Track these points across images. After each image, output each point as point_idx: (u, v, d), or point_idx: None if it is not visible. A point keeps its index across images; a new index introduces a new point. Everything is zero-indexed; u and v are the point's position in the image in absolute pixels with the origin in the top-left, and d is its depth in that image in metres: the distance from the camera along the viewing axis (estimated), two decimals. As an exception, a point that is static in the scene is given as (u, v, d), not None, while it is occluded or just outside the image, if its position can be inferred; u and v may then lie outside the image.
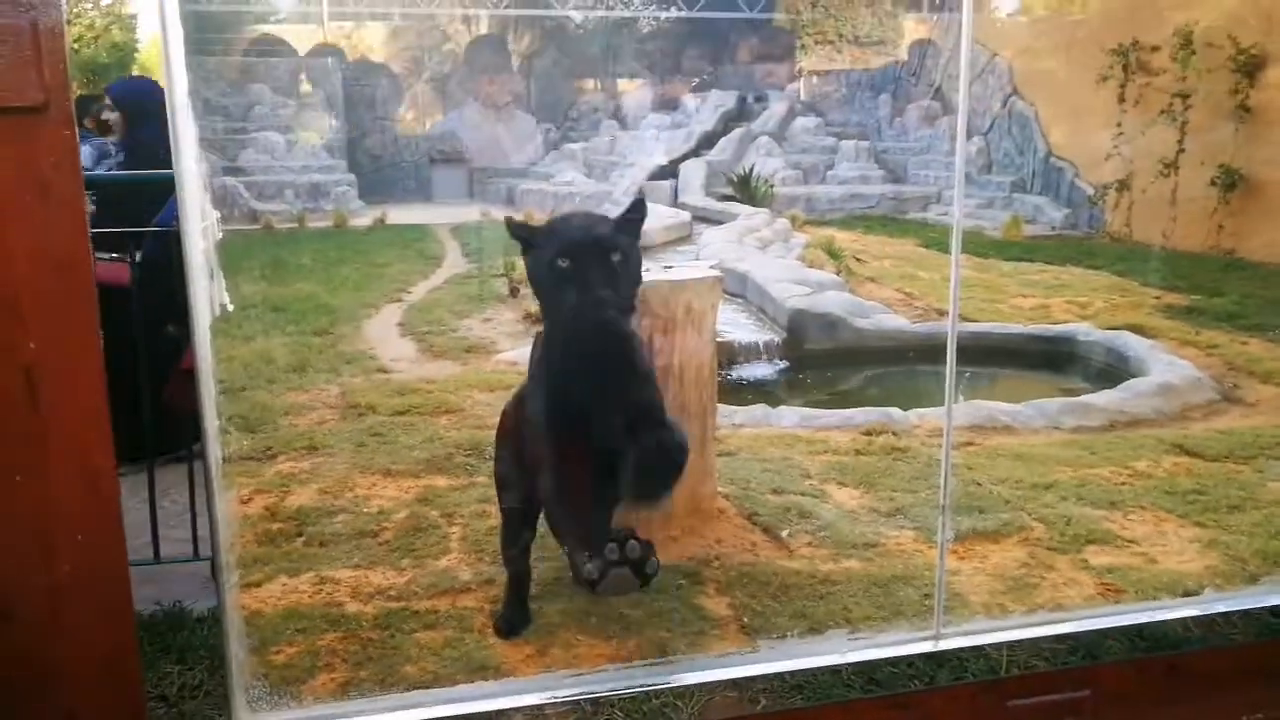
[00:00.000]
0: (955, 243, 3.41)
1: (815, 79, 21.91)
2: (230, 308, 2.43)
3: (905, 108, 18.80)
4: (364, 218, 14.64)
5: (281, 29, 20.30)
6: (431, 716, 2.52)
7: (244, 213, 14.59)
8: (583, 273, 2.50)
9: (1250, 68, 10.98)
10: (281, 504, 4.08)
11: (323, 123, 17.71)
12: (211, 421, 2.17)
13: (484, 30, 21.96)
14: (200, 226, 2.21)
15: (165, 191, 2.98)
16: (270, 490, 4.20)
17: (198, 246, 2.17)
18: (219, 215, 2.35)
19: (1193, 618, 2.76)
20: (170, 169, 2.04)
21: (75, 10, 16.61)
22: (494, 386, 5.81)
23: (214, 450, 2.21)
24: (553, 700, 2.68)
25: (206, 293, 2.23)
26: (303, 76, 18.89)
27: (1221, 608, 2.69)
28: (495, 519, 3.92)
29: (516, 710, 2.68)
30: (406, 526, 3.84)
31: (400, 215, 14.63)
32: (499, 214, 15.23)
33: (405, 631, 3.06)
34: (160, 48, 2.10)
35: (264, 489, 4.19)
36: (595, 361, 2.63)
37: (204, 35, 16.27)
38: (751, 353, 7.26)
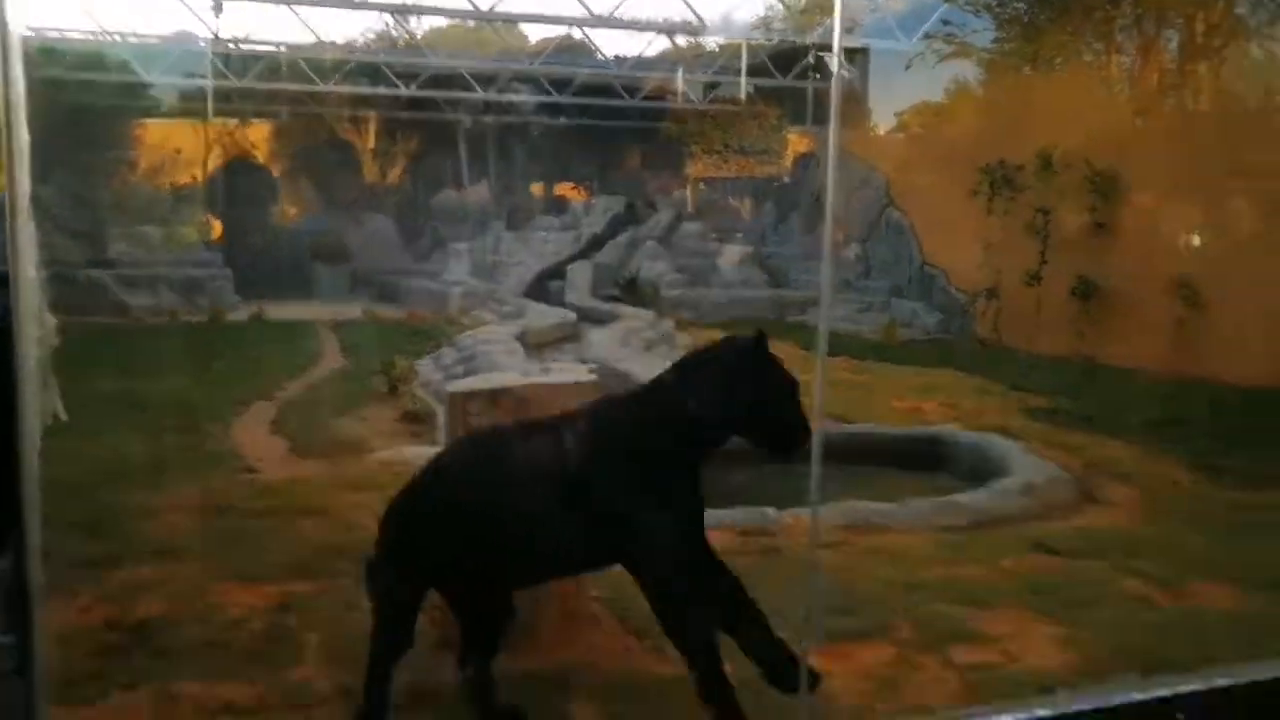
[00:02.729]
0: (821, 344, 3.49)
1: (702, 186, 22.60)
2: (64, 417, 2.30)
3: (788, 214, 19.49)
4: (241, 313, 14.28)
5: (164, 124, 20.04)
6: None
7: (112, 305, 14.09)
8: None
9: (1104, 187, 11.78)
10: (125, 614, 3.82)
11: (200, 217, 17.41)
12: (35, 537, 2.04)
13: (373, 129, 22.14)
14: (36, 335, 2.11)
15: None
16: (114, 599, 3.94)
17: (31, 355, 2.06)
18: (57, 323, 2.24)
19: (1053, 716, 2.77)
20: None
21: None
22: (365, 486, 5.63)
23: (36, 568, 2.06)
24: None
25: (38, 402, 2.12)
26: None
27: (1077, 707, 2.71)
28: (360, 626, 3.76)
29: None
30: (262, 635, 3.64)
31: (280, 311, 14.32)
32: (381, 311, 15.10)
33: (251, 750, 2.87)
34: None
35: (107, 598, 3.93)
36: None
37: (83, 130, 15.92)
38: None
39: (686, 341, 11.79)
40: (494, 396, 3.54)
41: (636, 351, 10.51)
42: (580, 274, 16.88)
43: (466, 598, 3.03)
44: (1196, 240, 10.89)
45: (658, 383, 2.92)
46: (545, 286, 16.85)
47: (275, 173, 21.67)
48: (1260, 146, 10.09)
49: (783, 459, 2.90)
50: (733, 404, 2.83)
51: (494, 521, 2.78)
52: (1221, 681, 3.18)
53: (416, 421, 7.49)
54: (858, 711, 3.14)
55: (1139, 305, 11.36)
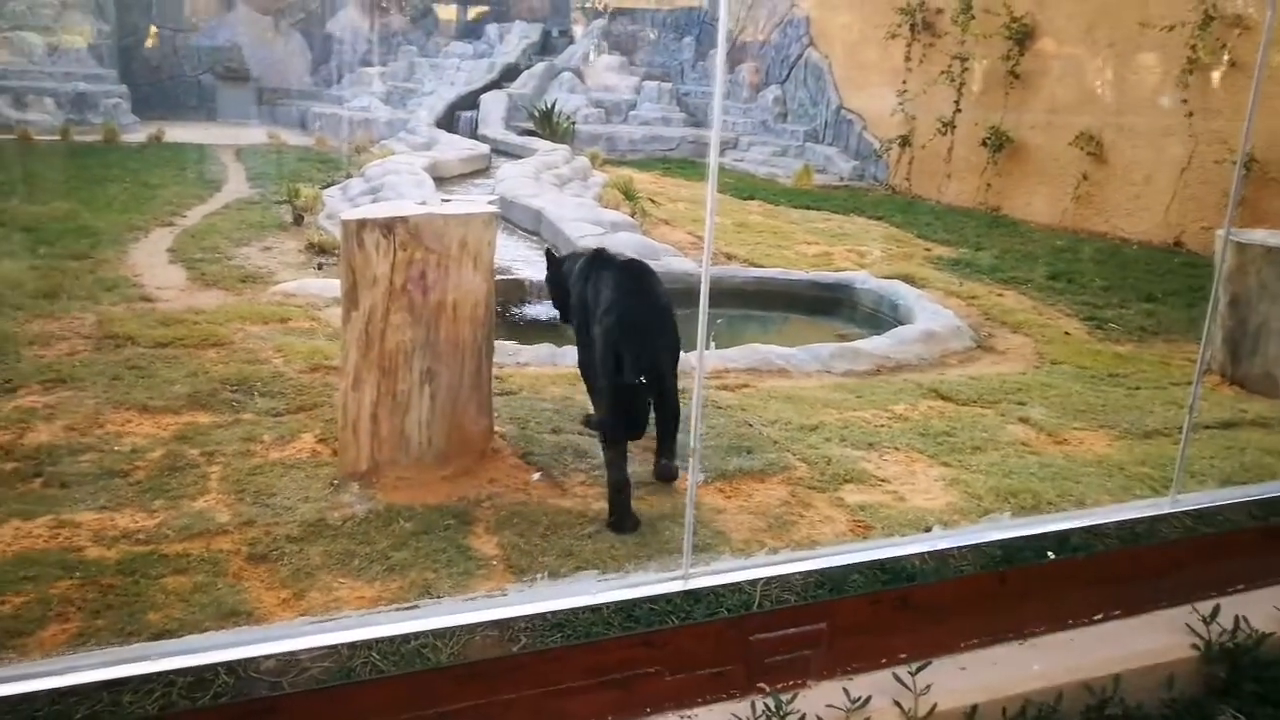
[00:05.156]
0: (711, 187, 3.45)
1: (621, 17, 21.77)
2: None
3: (708, 52, 18.98)
4: (138, 134, 13.53)
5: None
6: (171, 668, 2.40)
7: (-7, 120, 13.20)
8: None
9: (1021, 35, 11.72)
10: (19, 441, 3.76)
11: (88, 24, 16.13)
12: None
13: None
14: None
15: None
16: (7, 426, 3.86)
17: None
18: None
19: (928, 552, 2.97)
20: None
21: None
22: (268, 319, 5.54)
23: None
24: (307, 647, 2.60)
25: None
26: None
27: (948, 543, 2.90)
28: (260, 457, 3.77)
29: (267, 658, 2.59)
30: (161, 466, 3.62)
31: (180, 134, 13.63)
32: (289, 137, 14.47)
33: (151, 577, 2.89)
34: None
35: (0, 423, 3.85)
36: None
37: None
38: (543, 291, 7.21)
39: (602, 179, 11.63)
40: (389, 225, 3.46)
41: (550, 187, 10.33)
42: (494, 105, 16.36)
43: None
44: (1103, 94, 10.99)
45: None
46: (457, 117, 16.31)
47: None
48: None
49: None
50: None
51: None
52: (1087, 522, 3.43)
53: (322, 253, 7.32)
54: (746, 545, 3.29)
55: (1047, 158, 11.53)
